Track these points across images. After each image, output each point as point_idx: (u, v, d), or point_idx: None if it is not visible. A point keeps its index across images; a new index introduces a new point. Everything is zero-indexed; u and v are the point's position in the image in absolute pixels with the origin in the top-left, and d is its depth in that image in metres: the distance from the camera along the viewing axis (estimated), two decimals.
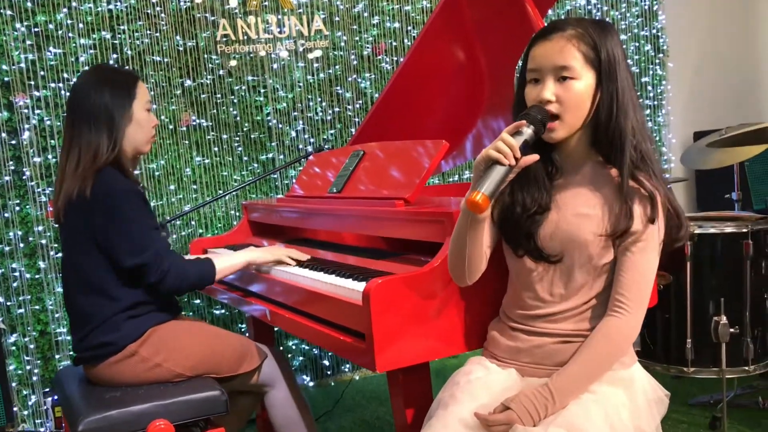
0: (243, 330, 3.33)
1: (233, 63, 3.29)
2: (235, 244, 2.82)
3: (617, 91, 1.40)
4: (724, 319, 2.16)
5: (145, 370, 1.93)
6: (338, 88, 3.48)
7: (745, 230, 2.20)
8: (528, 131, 1.35)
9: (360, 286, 1.68)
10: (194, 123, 3.24)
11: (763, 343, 2.27)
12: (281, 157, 3.39)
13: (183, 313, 2.23)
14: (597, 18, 1.43)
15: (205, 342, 2.02)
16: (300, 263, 2.14)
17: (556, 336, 1.48)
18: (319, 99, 3.44)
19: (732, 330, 2.17)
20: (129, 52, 3.11)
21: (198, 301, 3.27)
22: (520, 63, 1.53)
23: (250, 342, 2.16)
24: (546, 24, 1.58)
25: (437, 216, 1.71)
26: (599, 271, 1.45)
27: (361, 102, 3.51)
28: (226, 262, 2.07)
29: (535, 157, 1.37)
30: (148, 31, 3.14)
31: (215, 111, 3.27)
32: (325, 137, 3.46)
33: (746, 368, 2.23)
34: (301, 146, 3.42)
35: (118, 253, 1.87)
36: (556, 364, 1.46)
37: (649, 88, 4.17)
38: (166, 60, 3.17)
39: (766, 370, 2.29)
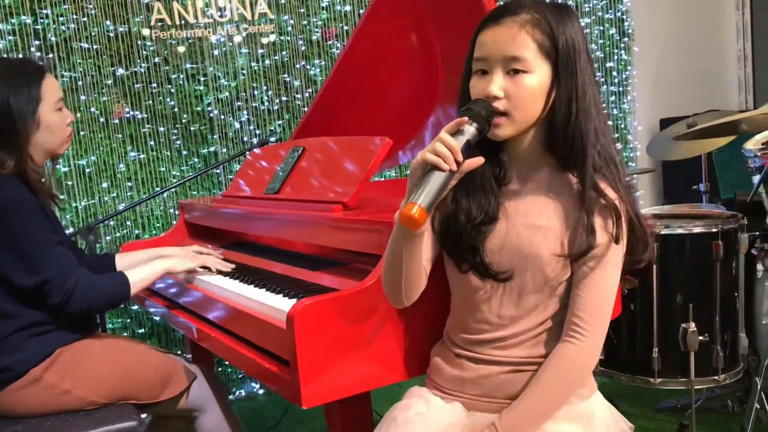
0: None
1: (181, 50, 3.04)
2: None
3: (577, 88, 1.21)
4: (693, 327, 2.01)
5: (53, 397, 1.71)
6: (285, 75, 3.25)
7: (714, 230, 2.04)
8: (470, 130, 1.16)
9: (287, 304, 1.49)
10: (128, 115, 2.99)
11: (733, 351, 2.12)
12: (224, 150, 3.16)
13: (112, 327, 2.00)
14: (557, 1, 1.21)
15: (122, 364, 1.81)
16: (225, 274, 1.94)
17: (507, 364, 1.29)
18: (265, 87, 3.21)
19: (701, 338, 2.02)
20: (53, 39, 2.85)
21: (136, 307, 3.04)
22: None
23: (177, 362, 1.95)
24: (498, 5, 1.37)
25: (375, 225, 1.51)
26: (555, 290, 1.27)
27: (310, 91, 3.29)
28: (140, 274, 1.85)
29: (480, 160, 1.17)
30: (75, 15, 2.88)
31: (151, 102, 3.03)
32: (271, 128, 3.24)
33: (716, 378, 2.08)
34: (245, 139, 3.19)
35: (13, 272, 1.65)
36: (507, 397, 1.28)
37: (614, 73, 4.01)
38: (95, 47, 2.92)
39: (737, 378, 2.14)
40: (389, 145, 1.76)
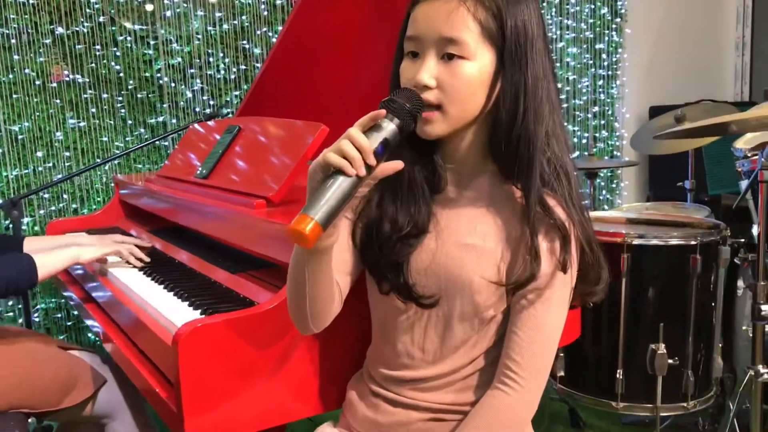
0: None
1: (149, 7, 2.77)
2: (103, 228, 2.38)
3: (526, 82, 0.98)
4: (662, 348, 1.81)
5: None
6: (245, 42, 2.99)
7: (693, 242, 1.83)
8: (390, 126, 0.93)
9: (186, 317, 1.28)
10: (68, 78, 2.73)
11: (706, 375, 1.92)
12: (174, 121, 2.90)
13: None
14: None
15: (13, 369, 1.59)
16: (140, 268, 1.72)
17: (427, 410, 1.09)
18: (222, 54, 2.95)
19: (671, 361, 1.82)
20: None
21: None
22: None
23: (84, 364, 1.73)
24: None
25: None
26: (487, 323, 1.06)
27: None
28: (47, 260, 1.64)
29: (398, 165, 0.95)
30: None
31: (94, 65, 2.76)
32: (227, 99, 2.99)
33: (684, 405, 1.88)
34: (198, 109, 2.93)
35: None
36: None
37: (604, 56, 3.77)
38: (32, 2, 2.65)
39: (707, 405, 1.95)
40: (324, 134, 1.53)
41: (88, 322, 1.75)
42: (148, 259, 1.74)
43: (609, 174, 3.90)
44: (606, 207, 3.82)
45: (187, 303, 1.40)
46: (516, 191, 1.05)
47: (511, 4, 0.98)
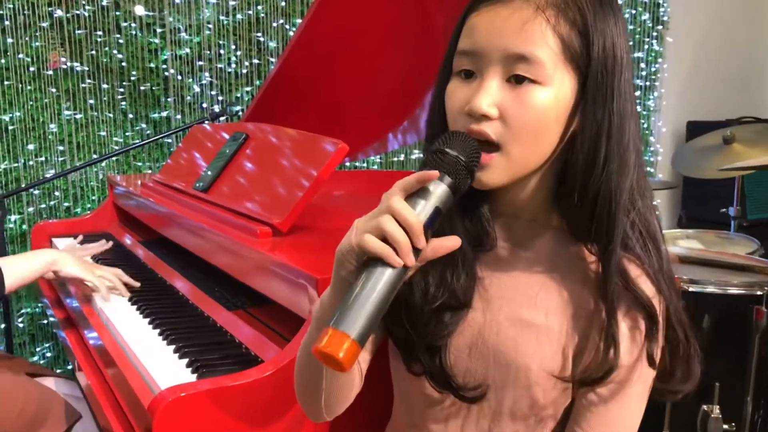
0: None
1: None
2: (96, 233, 2.17)
3: (611, 120, 0.76)
4: (716, 411, 1.58)
5: None
6: (259, 34, 2.76)
7: (759, 293, 1.59)
8: (441, 189, 0.69)
9: (169, 369, 1.07)
10: (65, 66, 2.52)
11: None
12: (178, 117, 2.68)
13: None
14: None
15: None
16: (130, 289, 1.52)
17: None
18: (234, 47, 2.73)
19: (726, 426, 1.59)
20: None
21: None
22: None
23: (56, 398, 1.54)
24: None
25: (296, 274, 1.06)
26: (544, 421, 0.83)
27: None
28: (18, 264, 1.45)
29: (454, 243, 0.72)
30: None
31: (95, 52, 2.54)
32: (237, 95, 2.76)
33: None
34: (205, 105, 2.71)
35: None
36: None
37: (642, 65, 3.52)
38: None
39: None
40: (344, 153, 1.30)
41: (67, 345, 1.54)
42: (128, 295, 1.52)
43: None
44: None
45: (174, 348, 1.19)
46: (588, 255, 0.82)
47: (599, 19, 0.75)
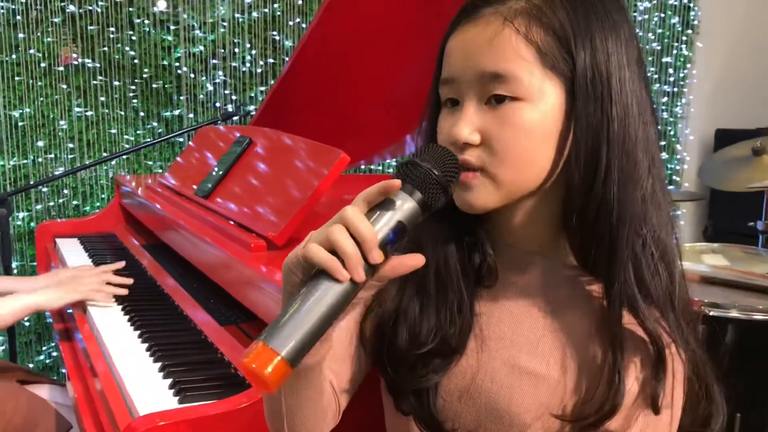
0: None
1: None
2: (102, 234, 2.13)
3: (609, 125, 0.67)
4: None
5: None
6: (275, 33, 2.70)
7: None
8: (408, 204, 0.62)
9: (151, 388, 1.02)
10: (77, 62, 2.48)
11: None
12: (191, 116, 2.64)
13: None
14: None
15: None
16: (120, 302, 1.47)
17: None
18: (249, 45, 2.67)
19: None
20: None
21: None
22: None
23: (47, 407, 1.49)
24: None
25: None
26: None
27: None
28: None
29: (417, 261, 0.64)
30: None
31: (107, 48, 2.51)
32: (252, 95, 2.71)
33: None
34: (218, 104, 2.66)
35: None
36: None
37: (670, 70, 3.40)
38: None
39: None
40: (344, 164, 1.24)
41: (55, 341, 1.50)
42: (125, 292, 1.47)
43: None
44: None
45: (159, 366, 1.13)
46: (595, 287, 0.74)
47: (581, 15, 0.67)
